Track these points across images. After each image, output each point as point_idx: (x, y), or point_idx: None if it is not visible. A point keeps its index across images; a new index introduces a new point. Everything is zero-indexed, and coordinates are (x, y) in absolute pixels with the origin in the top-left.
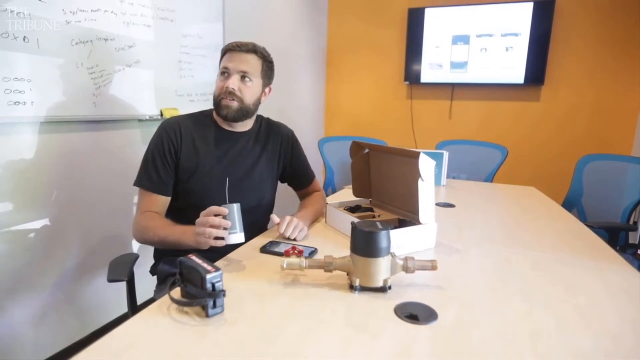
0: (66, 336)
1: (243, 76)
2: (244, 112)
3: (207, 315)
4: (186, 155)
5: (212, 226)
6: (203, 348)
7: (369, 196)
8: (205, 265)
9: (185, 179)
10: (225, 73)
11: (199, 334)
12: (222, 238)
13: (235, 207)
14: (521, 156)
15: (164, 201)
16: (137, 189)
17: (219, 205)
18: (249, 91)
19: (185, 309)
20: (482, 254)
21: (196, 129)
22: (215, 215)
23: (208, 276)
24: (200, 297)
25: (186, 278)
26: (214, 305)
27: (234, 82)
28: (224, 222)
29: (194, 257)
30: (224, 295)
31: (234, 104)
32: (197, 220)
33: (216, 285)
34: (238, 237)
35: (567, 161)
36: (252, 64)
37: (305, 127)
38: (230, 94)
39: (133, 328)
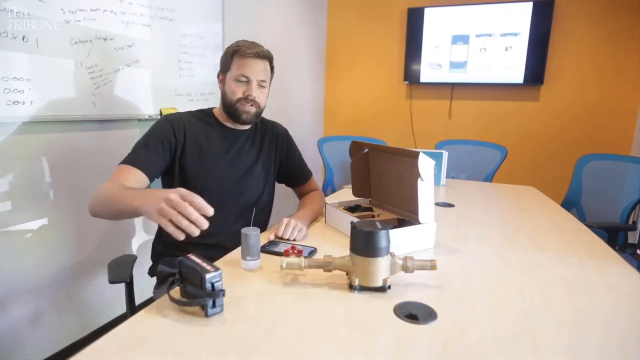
0: (66, 336)
1: (260, 83)
2: (258, 115)
3: (206, 315)
4: (190, 153)
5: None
6: (202, 348)
7: (369, 196)
8: (204, 265)
9: (190, 177)
10: (244, 79)
11: (198, 334)
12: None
13: (256, 233)
14: (521, 156)
15: (141, 179)
16: None
17: (224, 196)
18: (264, 96)
19: (185, 308)
20: (481, 254)
21: (199, 127)
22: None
23: (207, 276)
24: (199, 297)
25: (185, 278)
26: (214, 305)
27: (255, 91)
28: (202, 221)
29: (193, 257)
30: (223, 295)
31: (253, 110)
32: (169, 196)
33: (215, 285)
34: (256, 263)
35: (566, 161)
36: (267, 71)
37: (305, 127)
38: (252, 100)
39: (133, 328)
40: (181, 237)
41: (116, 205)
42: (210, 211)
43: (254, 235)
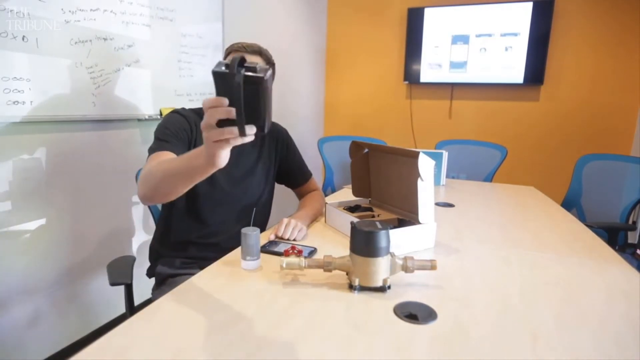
0: (66, 336)
1: None
2: None
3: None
4: None
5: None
6: (202, 348)
7: (369, 196)
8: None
9: None
10: None
11: (198, 335)
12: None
13: (256, 233)
14: (520, 156)
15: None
16: (136, 188)
17: (226, 197)
18: None
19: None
20: (481, 254)
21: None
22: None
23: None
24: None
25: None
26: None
27: None
28: (230, 110)
29: None
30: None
31: None
32: (205, 121)
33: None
34: (256, 263)
35: (566, 161)
36: None
37: (305, 127)
38: None
39: (133, 328)
40: (233, 140)
41: (167, 173)
42: (223, 100)
43: (253, 235)
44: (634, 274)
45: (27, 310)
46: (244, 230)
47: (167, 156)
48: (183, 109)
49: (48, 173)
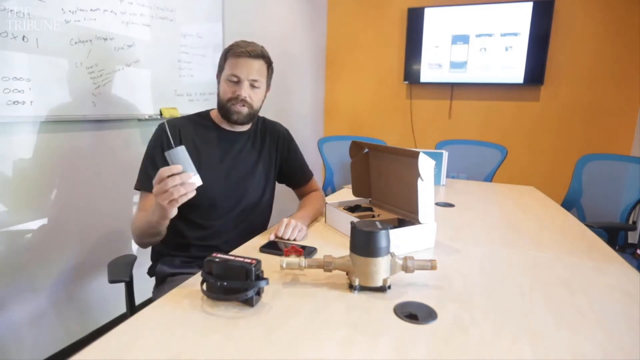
0: (66, 335)
1: (252, 83)
2: (252, 117)
3: (252, 305)
4: None
5: (172, 187)
6: (203, 348)
7: (369, 196)
8: (241, 259)
9: None
10: (235, 79)
11: (199, 334)
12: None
13: (181, 150)
14: (521, 156)
15: None
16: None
17: (224, 201)
18: (257, 97)
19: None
20: (481, 254)
21: (196, 131)
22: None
23: (253, 267)
24: (244, 289)
25: (221, 276)
26: (258, 294)
27: (246, 91)
28: (185, 177)
29: (222, 255)
30: (267, 283)
31: (245, 110)
32: (155, 190)
33: (259, 274)
34: (195, 179)
35: (566, 161)
36: (261, 70)
37: (305, 127)
38: (242, 100)
39: (133, 327)
40: (183, 199)
41: (141, 231)
42: (177, 168)
43: (179, 151)
44: (634, 274)
45: (27, 310)
46: (169, 152)
47: (151, 199)
48: (174, 118)
49: (48, 173)
